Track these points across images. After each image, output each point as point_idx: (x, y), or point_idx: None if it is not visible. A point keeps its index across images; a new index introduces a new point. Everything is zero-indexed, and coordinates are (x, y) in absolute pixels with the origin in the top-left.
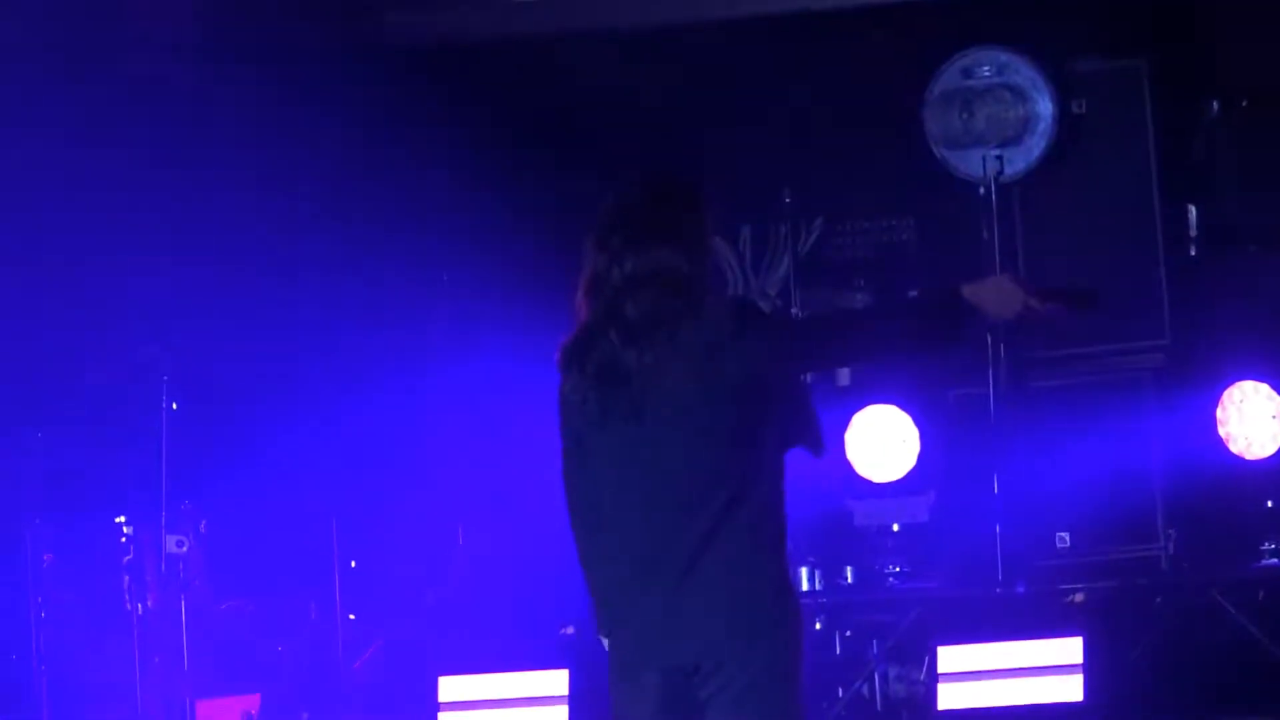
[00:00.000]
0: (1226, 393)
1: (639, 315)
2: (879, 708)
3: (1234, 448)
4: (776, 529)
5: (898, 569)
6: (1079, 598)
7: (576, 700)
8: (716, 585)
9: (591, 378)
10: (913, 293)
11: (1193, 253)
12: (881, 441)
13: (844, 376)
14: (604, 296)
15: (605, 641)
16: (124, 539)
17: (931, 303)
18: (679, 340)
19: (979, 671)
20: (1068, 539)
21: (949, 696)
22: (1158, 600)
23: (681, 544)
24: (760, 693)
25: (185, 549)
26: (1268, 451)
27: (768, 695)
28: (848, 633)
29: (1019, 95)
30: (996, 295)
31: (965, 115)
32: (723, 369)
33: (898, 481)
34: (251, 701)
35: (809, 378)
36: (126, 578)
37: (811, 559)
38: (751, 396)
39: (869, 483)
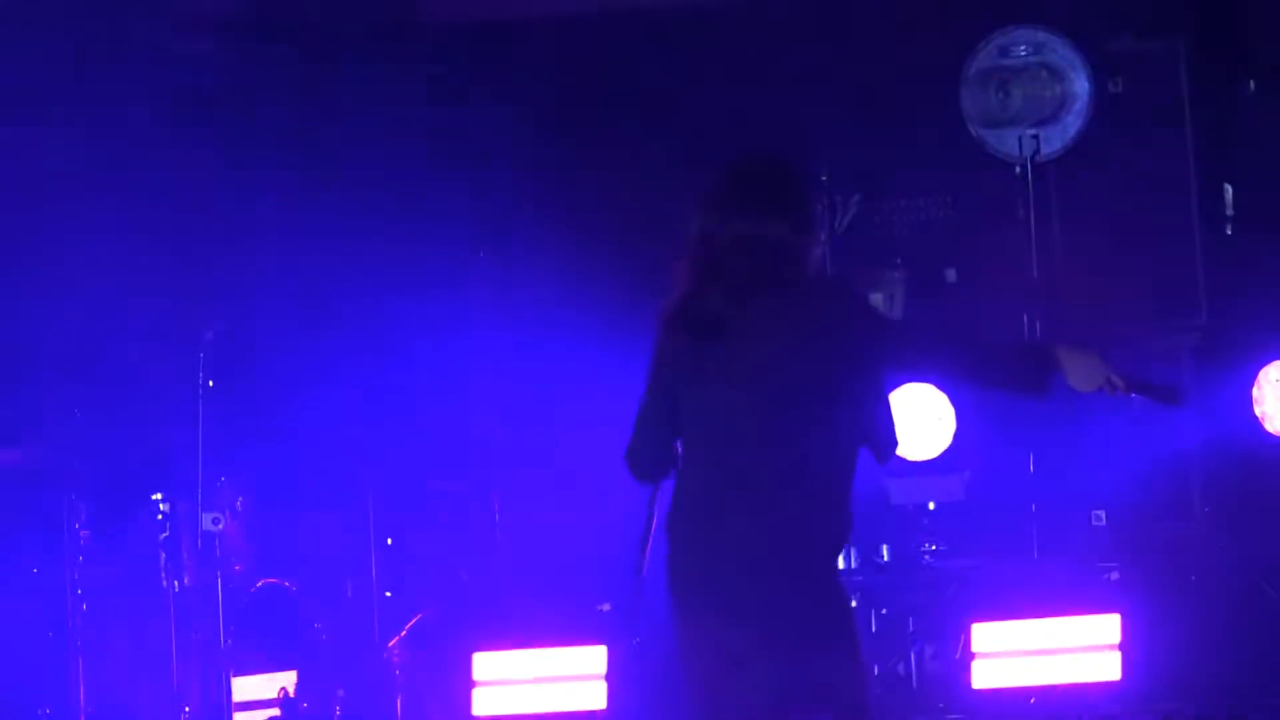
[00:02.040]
0: (1262, 372)
1: (742, 275)
2: (915, 685)
3: (1270, 426)
4: (841, 516)
5: (934, 547)
6: (1115, 576)
7: (614, 677)
8: (773, 553)
9: (689, 334)
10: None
11: (1229, 232)
12: (918, 420)
13: None
14: (710, 259)
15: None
16: (161, 516)
17: (1025, 354)
18: (781, 306)
19: (1014, 650)
20: (1103, 517)
21: (984, 674)
22: (1193, 578)
23: (750, 499)
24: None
25: (222, 526)
26: None
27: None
28: (884, 610)
29: (1056, 74)
30: (1085, 368)
31: (1002, 94)
32: (822, 343)
33: (934, 460)
34: (288, 679)
35: None
36: (163, 555)
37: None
38: (842, 379)
39: (905, 461)
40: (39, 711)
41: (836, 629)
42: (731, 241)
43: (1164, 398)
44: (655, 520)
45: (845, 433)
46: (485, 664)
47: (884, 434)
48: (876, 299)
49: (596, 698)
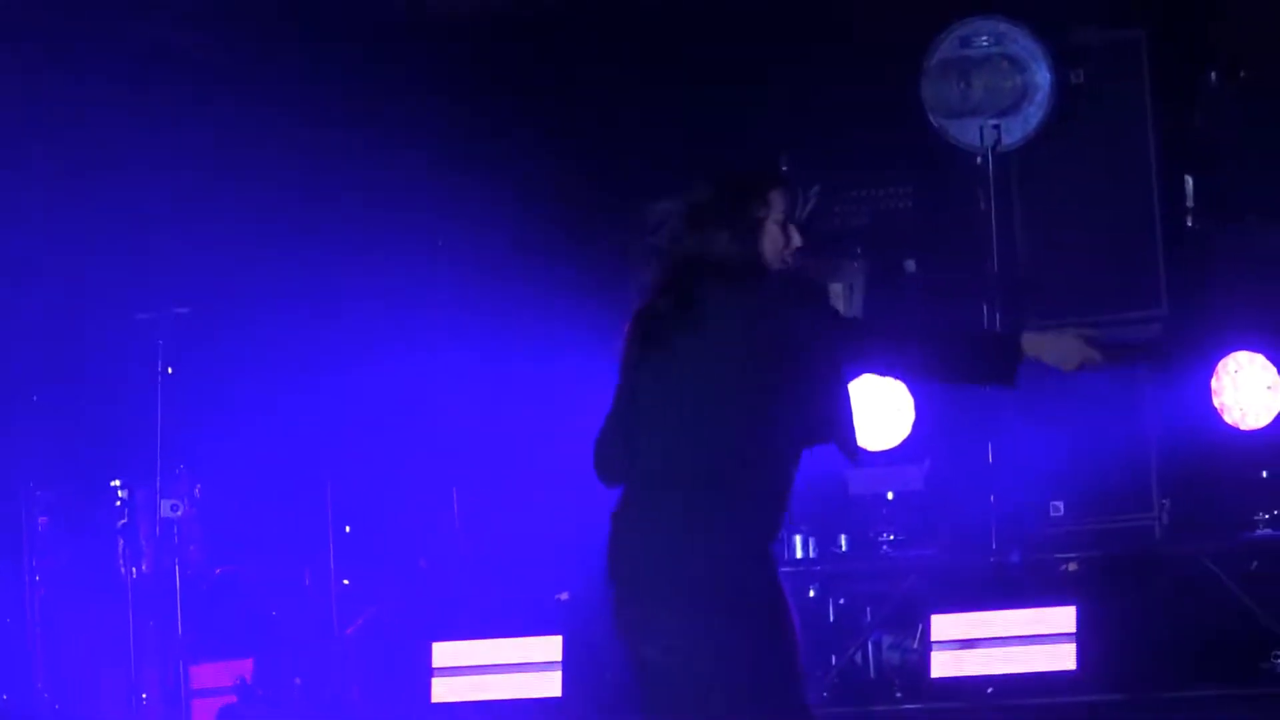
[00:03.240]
0: (1222, 363)
1: (690, 289)
2: (872, 675)
3: (1229, 418)
4: (765, 517)
5: (892, 537)
6: (1072, 567)
7: (570, 666)
8: (680, 557)
9: (643, 343)
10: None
11: (1190, 223)
12: (877, 410)
13: None
14: (664, 274)
15: None
16: (119, 503)
17: (990, 344)
18: (728, 309)
19: (972, 640)
20: (1062, 508)
21: (942, 664)
22: (1151, 570)
23: (668, 498)
24: (696, 683)
25: (180, 513)
26: (1262, 422)
27: (706, 688)
28: (841, 600)
29: (1017, 65)
30: (1056, 350)
31: (963, 85)
32: (759, 334)
33: (893, 449)
34: (245, 666)
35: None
36: (121, 542)
37: (805, 527)
38: (784, 376)
39: (864, 451)
40: None
41: (746, 627)
42: (682, 258)
43: (1148, 357)
44: None
45: (785, 430)
46: (444, 653)
47: (843, 430)
48: (836, 289)
49: (552, 685)
